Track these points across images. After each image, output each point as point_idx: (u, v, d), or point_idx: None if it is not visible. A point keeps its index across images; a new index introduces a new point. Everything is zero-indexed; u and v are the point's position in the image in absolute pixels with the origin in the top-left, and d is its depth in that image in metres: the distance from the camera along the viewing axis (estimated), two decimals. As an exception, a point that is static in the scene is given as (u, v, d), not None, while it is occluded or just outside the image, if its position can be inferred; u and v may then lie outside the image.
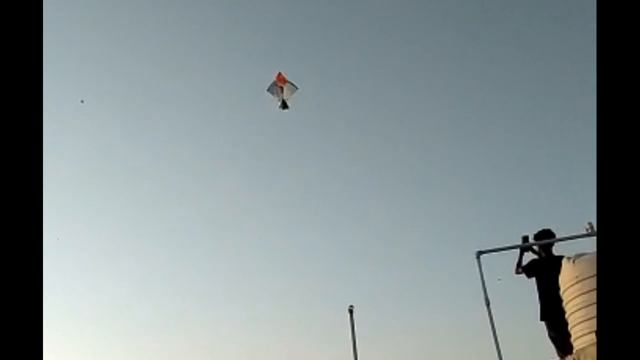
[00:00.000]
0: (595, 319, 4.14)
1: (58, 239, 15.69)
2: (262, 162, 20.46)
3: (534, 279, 6.06)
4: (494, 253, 5.73)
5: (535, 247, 6.13)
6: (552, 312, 5.65)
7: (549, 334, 5.82)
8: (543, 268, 5.96)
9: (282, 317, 18.37)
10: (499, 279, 5.79)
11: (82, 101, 15.40)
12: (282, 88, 10.98)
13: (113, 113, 19.31)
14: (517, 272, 6.15)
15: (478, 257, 5.55)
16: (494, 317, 5.30)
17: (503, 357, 5.13)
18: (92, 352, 16.72)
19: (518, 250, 6.13)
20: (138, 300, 18.85)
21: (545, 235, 5.96)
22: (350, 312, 6.35)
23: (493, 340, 5.22)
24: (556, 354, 5.65)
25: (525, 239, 6.11)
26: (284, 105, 10.99)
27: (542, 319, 5.89)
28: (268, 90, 11.04)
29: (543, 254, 6.09)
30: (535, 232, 6.08)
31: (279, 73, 11.04)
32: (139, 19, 19.19)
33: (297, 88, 11.05)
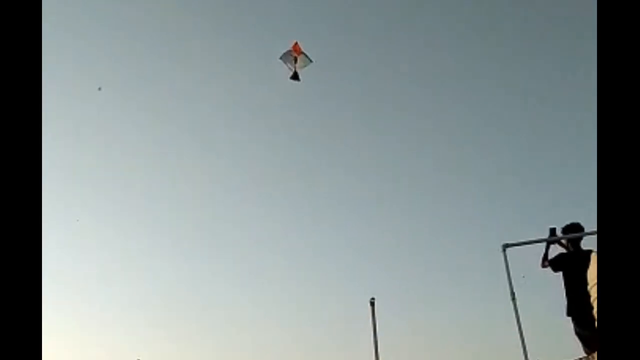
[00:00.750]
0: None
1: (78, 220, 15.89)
2: (277, 151, 20.43)
3: (560, 273, 5.94)
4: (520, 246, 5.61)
5: (563, 241, 6.00)
6: (579, 308, 5.54)
7: (576, 330, 5.70)
8: (570, 262, 5.83)
9: (303, 308, 18.41)
10: (524, 276, 5.66)
11: (100, 88, 15.48)
12: (295, 59, 10.68)
13: (117, 104, 19.44)
14: (543, 266, 6.03)
15: (504, 250, 5.45)
16: (519, 312, 5.21)
17: (528, 353, 5.04)
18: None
19: (544, 243, 6.01)
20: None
21: (574, 229, 5.81)
22: (372, 304, 6.30)
23: (518, 335, 5.13)
24: (582, 351, 5.54)
25: (553, 231, 5.97)
26: (295, 76, 10.71)
27: (568, 314, 5.77)
28: (281, 58, 10.71)
29: (571, 248, 5.96)
30: (563, 225, 5.94)
31: (296, 42, 10.80)
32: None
33: (311, 61, 10.80)
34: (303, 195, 20.23)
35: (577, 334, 5.67)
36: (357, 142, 20.18)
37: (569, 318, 5.76)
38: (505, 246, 5.48)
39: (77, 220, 16.23)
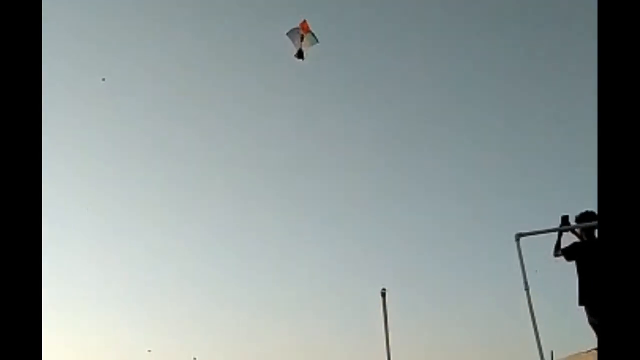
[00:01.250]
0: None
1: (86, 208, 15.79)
2: (291, 149, 20.40)
3: (573, 262, 5.86)
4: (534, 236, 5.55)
5: (577, 230, 5.91)
6: (593, 296, 5.48)
7: (589, 319, 5.63)
8: (584, 252, 5.75)
9: (316, 299, 18.47)
10: (537, 271, 5.58)
11: (104, 79, 15.49)
12: (302, 37, 10.60)
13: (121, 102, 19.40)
14: (556, 255, 5.95)
15: (517, 240, 5.39)
16: (532, 302, 5.16)
17: (542, 342, 5.01)
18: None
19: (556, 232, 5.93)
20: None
21: (588, 218, 5.72)
22: (383, 295, 6.28)
23: (532, 325, 5.08)
24: (596, 340, 5.48)
25: (565, 218, 5.88)
26: (300, 55, 10.66)
27: (580, 303, 5.70)
28: (287, 34, 10.70)
29: (585, 238, 5.87)
30: (577, 213, 5.85)
31: (304, 20, 10.66)
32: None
33: (317, 41, 10.67)
34: (317, 191, 20.25)
35: (591, 323, 5.61)
36: (371, 140, 20.11)
37: (582, 308, 5.71)
38: (519, 235, 5.42)
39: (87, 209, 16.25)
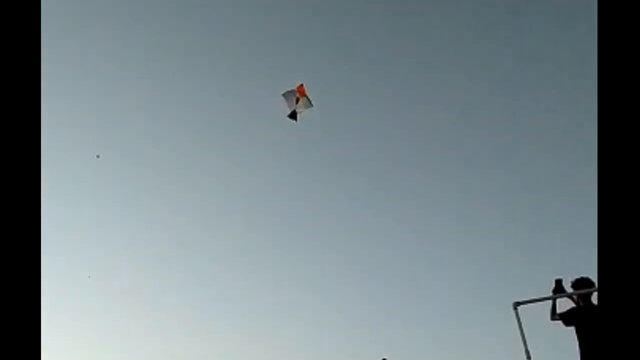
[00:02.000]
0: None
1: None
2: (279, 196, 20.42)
3: (572, 327, 5.87)
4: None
5: (573, 296, 5.96)
6: (595, 363, 5.45)
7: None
8: (583, 318, 5.77)
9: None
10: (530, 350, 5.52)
11: (98, 156, 15.61)
12: (298, 99, 10.85)
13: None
14: (553, 319, 5.97)
15: (516, 309, 5.40)
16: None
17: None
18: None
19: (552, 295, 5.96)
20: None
21: (584, 284, 5.79)
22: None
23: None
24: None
25: (559, 282, 5.93)
26: (293, 116, 10.88)
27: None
28: (283, 95, 10.97)
29: (581, 303, 5.91)
30: (572, 279, 5.92)
31: (301, 84, 10.96)
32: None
33: (312, 105, 10.92)
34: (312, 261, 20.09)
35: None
36: (365, 204, 20.21)
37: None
38: (517, 304, 5.43)
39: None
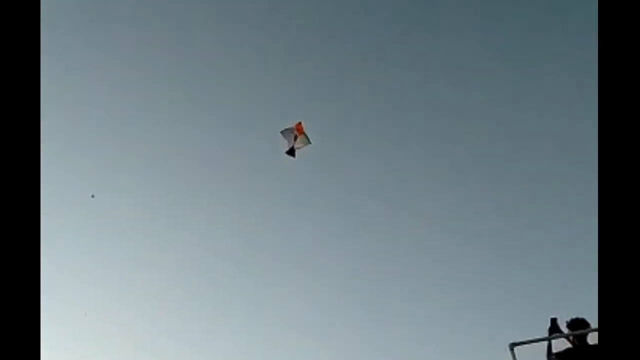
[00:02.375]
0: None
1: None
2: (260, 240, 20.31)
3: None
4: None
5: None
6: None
7: None
8: (578, 358, 5.79)
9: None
10: None
11: (93, 196, 15.59)
12: (296, 137, 11.04)
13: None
14: (549, 359, 5.98)
15: (512, 350, 5.41)
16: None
17: None
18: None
19: (547, 335, 5.98)
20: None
21: (579, 324, 5.83)
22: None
23: None
24: None
25: (554, 321, 5.97)
26: (291, 152, 11.06)
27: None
28: (282, 132, 11.15)
29: (577, 343, 5.93)
30: (567, 319, 5.97)
31: (300, 122, 11.15)
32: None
33: (310, 143, 11.11)
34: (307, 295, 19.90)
35: None
36: (358, 241, 20.14)
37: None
38: (513, 345, 5.44)
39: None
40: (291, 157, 11.07)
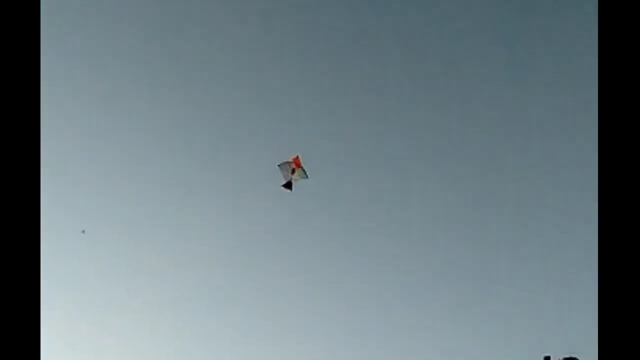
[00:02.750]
0: None
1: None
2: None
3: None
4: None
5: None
6: None
7: None
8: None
9: None
10: None
11: (83, 231, 15.74)
12: (293, 170, 11.21)
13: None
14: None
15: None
16: None
17: None
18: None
19: None
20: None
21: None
22: None
23: None
24: None
25: (547, 359, 6.12)
26: (288, 185, 11.18)
27: None
28: (279, 165, 11.30)
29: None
30: (560, 358, 6.07)
31: (297, 156, 11.25)
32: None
33: (307, 177, 11.24)
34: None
35: None
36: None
37: None
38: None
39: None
40: (288, 190, 11.27)
